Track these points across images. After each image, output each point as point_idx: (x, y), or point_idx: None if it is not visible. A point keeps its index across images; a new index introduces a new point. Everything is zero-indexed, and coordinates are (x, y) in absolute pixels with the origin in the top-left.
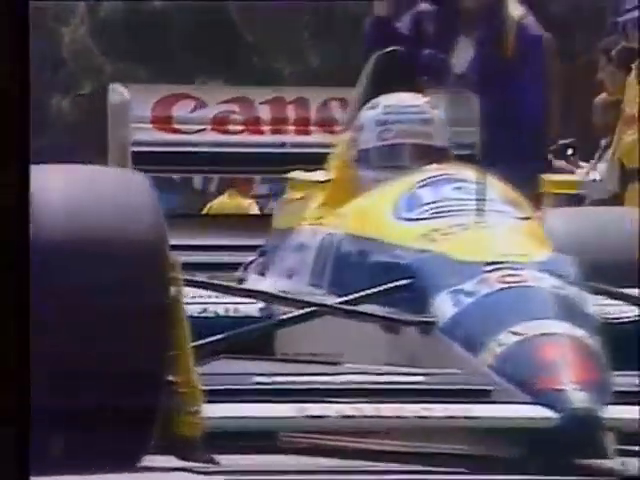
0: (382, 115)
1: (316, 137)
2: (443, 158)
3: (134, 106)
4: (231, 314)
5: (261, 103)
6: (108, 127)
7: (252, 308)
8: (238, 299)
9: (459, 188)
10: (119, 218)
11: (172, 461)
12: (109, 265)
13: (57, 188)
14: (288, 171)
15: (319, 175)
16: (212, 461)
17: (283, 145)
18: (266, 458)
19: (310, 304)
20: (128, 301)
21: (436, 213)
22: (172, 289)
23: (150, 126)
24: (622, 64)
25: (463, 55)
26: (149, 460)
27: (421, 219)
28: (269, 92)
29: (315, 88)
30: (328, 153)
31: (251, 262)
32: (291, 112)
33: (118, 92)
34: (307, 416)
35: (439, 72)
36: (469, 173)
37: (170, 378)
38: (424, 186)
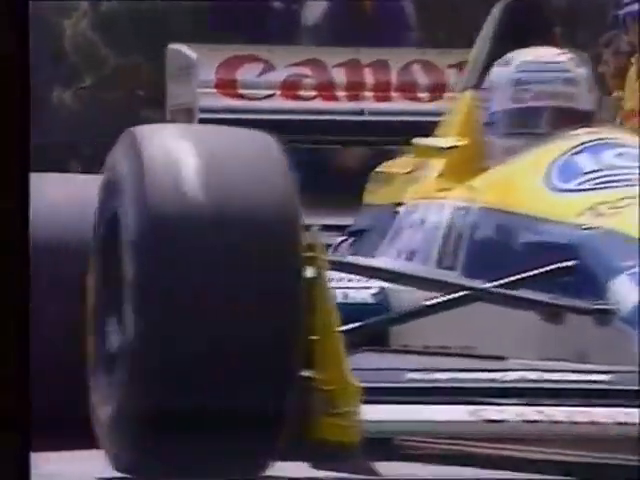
0: (517, 73)
1: (398, 104)
2: (588, 123)
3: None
4: (340, 300)
5: (335, 66)
6: (167, 92)
7: (364, 294)
8: (348, 284)
9: (622, 155)
10: (248, 186)
11: (310, 470)
12: (233, 240)
13: (176, 149)
14: (366, 142)
15: (438, 142)
16: (371, 471)
17: (361, 112)
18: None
19: (468, 288)
20: (254, 282)
21: (600, 183)
22: (310, 269)
23: (213, 91)
24: (622, 58)
25: (316, 8)
26: (278, 469)
27: (583, 190)
28: (344, 54)
29: (395, 50)
30: (413, 121)
31: (341, 243)
32: (369, 76)
33: (181, 53)
34: (485, 420)
35: (289, 24)
36: (629, 137)
37: (309, 373)
38: (580, 152)
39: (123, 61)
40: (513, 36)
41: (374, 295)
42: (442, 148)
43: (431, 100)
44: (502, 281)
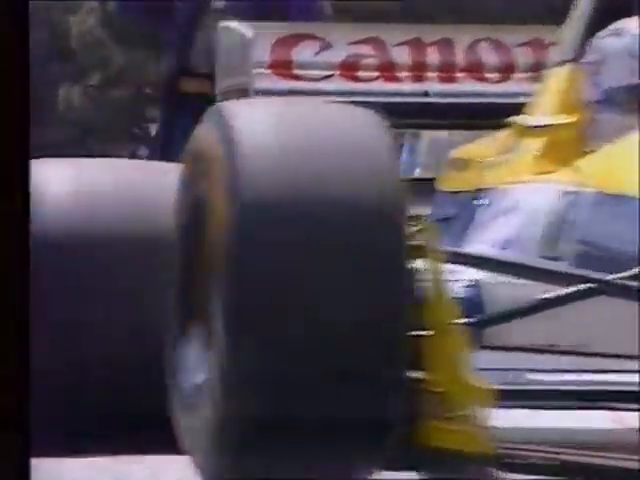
0: (635, 45)
1: (464, 85)
2: None
3: None
4: None
5: (396, 45)
6: (217, 72)
7: (456, 288)
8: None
9: None
10: (349, 168)
11: None
12: (330, 228)
13: (271, 126)
14: (431, 125)
15: (538, 120)
16: None
17: (426, 94)
18: None
19: (595, 281)
20: (355, 274)
21: None
22: (420, 262)
23: (268, 72)
24: None
25: None
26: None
27: None
28: (406, 32)
29: (460, 26)
30: (481, 103)
31: None
32: (433, 55)
33: (234, 31)
34: (629, 428)
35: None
36: None
37: (419, 374)
38: None
39: (130, 59)
40: (613, 6)
41: (467, 289)
42: (541, 127)
43: (500, 81)
44: (629, 272)
